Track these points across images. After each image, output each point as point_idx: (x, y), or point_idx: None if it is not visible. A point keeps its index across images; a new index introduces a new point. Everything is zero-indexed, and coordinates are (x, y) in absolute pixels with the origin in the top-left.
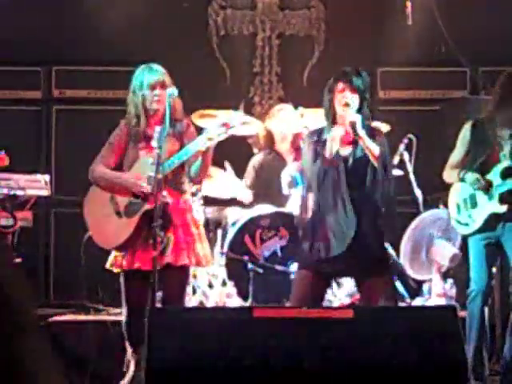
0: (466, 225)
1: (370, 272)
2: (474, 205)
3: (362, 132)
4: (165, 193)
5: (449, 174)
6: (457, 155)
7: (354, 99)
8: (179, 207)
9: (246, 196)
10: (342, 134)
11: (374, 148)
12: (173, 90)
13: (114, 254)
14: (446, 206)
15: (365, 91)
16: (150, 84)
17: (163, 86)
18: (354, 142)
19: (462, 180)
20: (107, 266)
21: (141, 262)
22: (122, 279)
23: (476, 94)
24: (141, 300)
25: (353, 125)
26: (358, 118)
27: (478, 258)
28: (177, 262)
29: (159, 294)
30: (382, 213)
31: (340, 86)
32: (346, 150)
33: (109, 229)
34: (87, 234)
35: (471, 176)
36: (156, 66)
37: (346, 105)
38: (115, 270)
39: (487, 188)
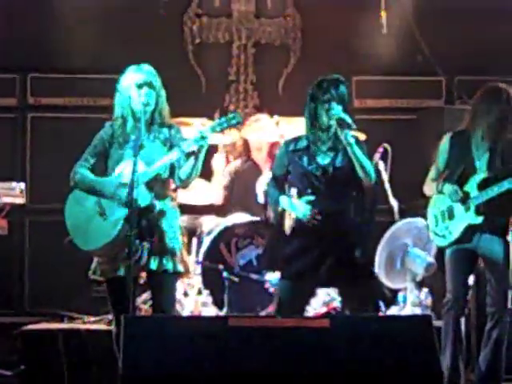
0: (443, 237)
1: (354, 281)
2: (452, 216)
3: (351, 139)
4: (152, 199)
5: (429, 187)
6: (436, 168)
7: (339, 109)
8: (166, 214)
9: (218, 196)
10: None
11: (362, 158)
12: (147, 99)
13: (95, 260)
14: (424, 217)
15: (347, 100)
16: (137, 84)
17: (151, 86)
18: (334, 150)
19: (441, 192)
20: (89, 274)
21: (124, 268)
22: (107, 287)
23: (451, 104)
24: (128, 307)
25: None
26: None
27: (454, 268)
28: (159, 269)
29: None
30: (364, 222)
31: (326, 96)
32: (326, 159)
33: (90, 230)
34: (66, 239)
35: (449, 188)
36: (144, 66)
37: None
38: (98, 278)
39: (464, 200)
